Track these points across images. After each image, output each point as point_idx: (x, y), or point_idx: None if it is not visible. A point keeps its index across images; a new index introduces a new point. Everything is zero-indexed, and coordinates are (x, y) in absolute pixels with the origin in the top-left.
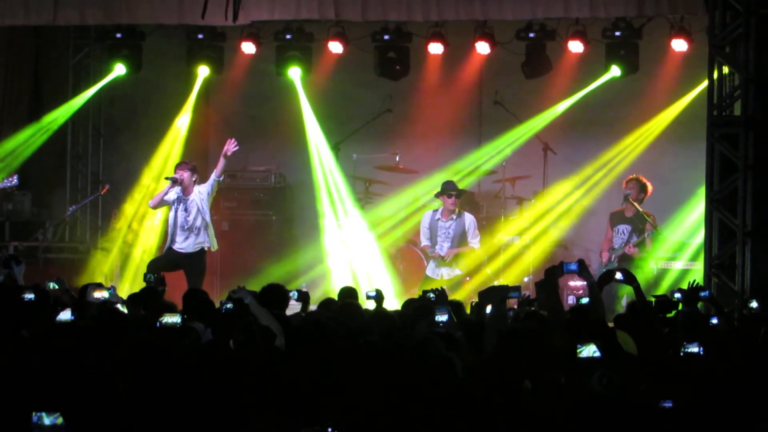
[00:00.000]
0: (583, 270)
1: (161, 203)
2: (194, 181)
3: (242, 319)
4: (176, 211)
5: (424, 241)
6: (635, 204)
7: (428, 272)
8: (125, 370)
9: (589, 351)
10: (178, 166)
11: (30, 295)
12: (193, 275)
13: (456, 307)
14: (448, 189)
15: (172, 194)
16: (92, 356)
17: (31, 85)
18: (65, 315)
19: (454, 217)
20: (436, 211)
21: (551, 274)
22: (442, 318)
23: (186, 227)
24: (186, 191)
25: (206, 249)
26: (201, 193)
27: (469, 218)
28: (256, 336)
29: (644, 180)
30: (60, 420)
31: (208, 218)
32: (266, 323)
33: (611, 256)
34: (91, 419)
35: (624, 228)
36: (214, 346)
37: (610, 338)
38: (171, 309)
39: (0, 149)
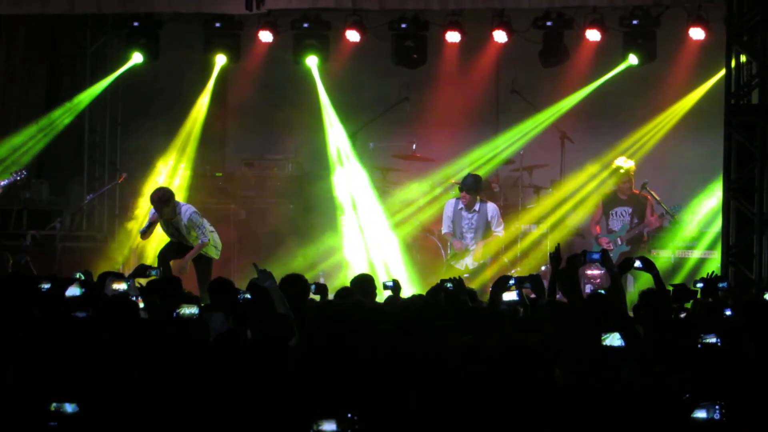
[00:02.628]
0: (606, 260)
1: (149, 235)
2: (172, 208)
3: (261, 308)
4: (170, 234)
5: (446, 229)
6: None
7: (455, 262)
8: (140, 360)
9: (613, 340)
10: (152, 198)
11: (46, 285)
12: (200, 263)
13: (472, 295)
14: (461, 185)
15: (155, 227)
16: (106, 347)
17: (49, 74)
18: (74, 290)
19: (477, 207)
20: (458, 199)
21: (573, 263)
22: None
23: (184, 243)
24: (170, 219)
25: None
26: (185, 221)
27: (491, 207)
28: (273, 326)
29: (623, 166)
30: (75, 408)
31: (203, 239)
32: (283, 311)
33: (616, 240)
34: (105, 408)
35: (623, 210)
36: (231, 336)
37: (630, 328)
38: (189, 299)
39: (17, 138)
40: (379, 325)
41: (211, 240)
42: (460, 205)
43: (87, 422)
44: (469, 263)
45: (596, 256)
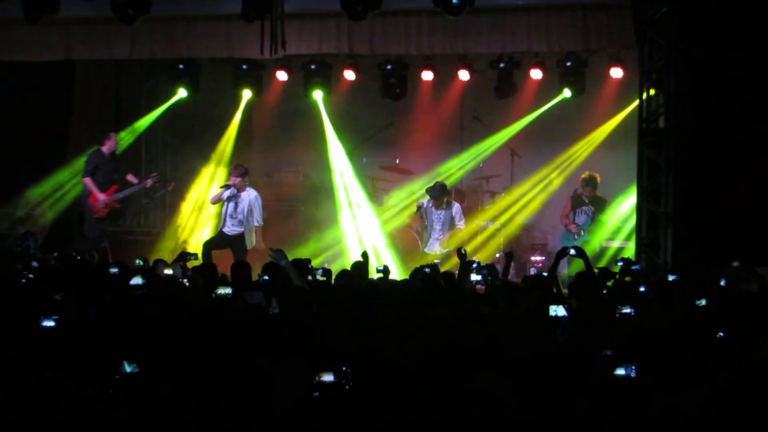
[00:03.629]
0: (582, 254)
1: (218, 200)
2: (245, 183)
3: (278, 284)
4: (228, 204)
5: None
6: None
7: (425, 249)
8: (186, 329)
9: (556, 310)
10: (232, 171)
11: (114, 269)
12: (238, 252)
13: (448, 276)
14: (430, 193)
15: (227, 192)
16: (161, 318)
17: (114, 104)
18: (136, 280)
19: (444, 207)
20: (429, 200)
21: (559, 255)
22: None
23: (234, 216)
24: (239, 190)
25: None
26: (251, 198)
27: (455, 207)
28: (292, 297)
29: (593, 175)
30: (135, 367)
31: (252, 222)
32: (299, 284)
33: (579, 231)
34: (160, 367)
35: (587, 209)
36: (258, 310)
37: (564, 301)
38: (224, 280)
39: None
40: (375, 299)
41: (254, 231)
42: (430, 204)
43: (144, 379)
44: (438, 249)
45: (574, 252)
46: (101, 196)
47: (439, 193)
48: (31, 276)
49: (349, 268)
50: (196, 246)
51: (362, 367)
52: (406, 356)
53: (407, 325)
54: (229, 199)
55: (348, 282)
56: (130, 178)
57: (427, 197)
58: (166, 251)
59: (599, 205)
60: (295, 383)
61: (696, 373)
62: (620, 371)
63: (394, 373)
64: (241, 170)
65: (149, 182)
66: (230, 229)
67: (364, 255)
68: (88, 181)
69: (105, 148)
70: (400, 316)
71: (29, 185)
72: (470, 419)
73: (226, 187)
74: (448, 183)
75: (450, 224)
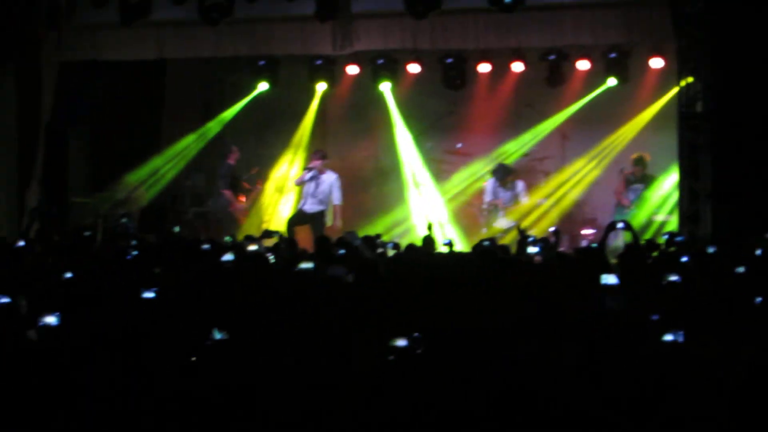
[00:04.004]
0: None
1: (301, 182)
2: (325, 165)
3: (352, 258)
4: (309, 185)
5: (488, 197)
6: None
7: (495, 224)
8: (272, 300)
9: (607, 279)
10: (313, 155)
11: (206, 246)
12: (316, 227)
13: (504, 249)
14: (495, 174)
15: (309, 174)
16: (248, 290)
17: (201, 99)
18: (228, 257)
19: (509, 185)
20: (495, 179)
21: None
22: None
23: (315, 195)
24: (320, 172)
25: (325, 212)
26: (332, 179)
27: (520, 184)
28: (363, 269)
29: (643, 155)
30: (224, 335)
31: (333, 201)
32: (369, 256)
33: (630, 207)
34: (244, 333)
35: (637, 186)
36: (337, 282)
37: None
38: (304, 255)
39: (180, 144)
40: (440, 270)
41: (334, 210)
42: (497, 185)
43: (234, 344)
44: (504, 224)
45: (622, 226)
46: (240, 205)
47: (503, 174)
48: (135, 252)
49: (416, 242)
50: (277, 224)
51: (430, 334)
52: (471, 323)
53: (470, 293)
54: (310, 179)
55: (416, 255)
56: (246, 185)
57: (492, 177)
58: (251, 228)
59: (648, 182)
60: (372, 347)
61: (737, 336)
62: (668, 337)
63: (460, 338)
64: (321, 154)
65: (259, 186)
66: (310, 207)
67: (430, 227)
68: (228, 193)
69: (231, 161)
70: (464, 286)
71: (127, 171)
72: (531, 380)
73: (308, 169)
74: (507, 161)
75: (515, 201)
